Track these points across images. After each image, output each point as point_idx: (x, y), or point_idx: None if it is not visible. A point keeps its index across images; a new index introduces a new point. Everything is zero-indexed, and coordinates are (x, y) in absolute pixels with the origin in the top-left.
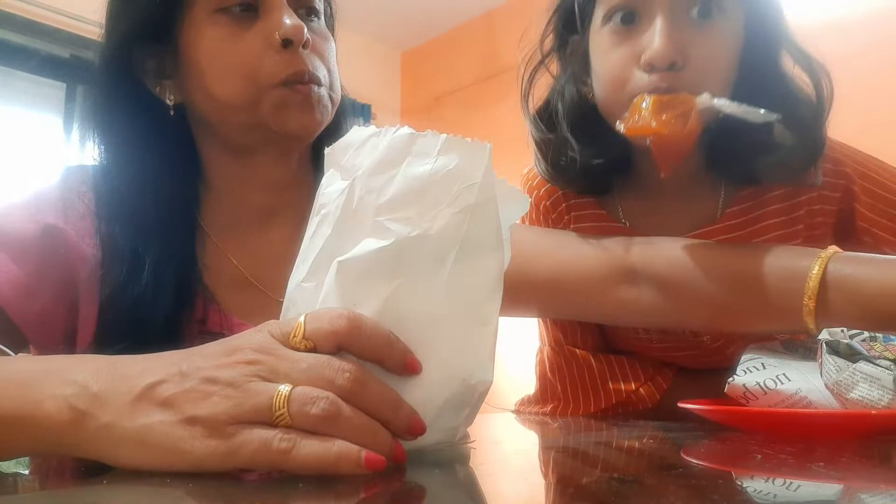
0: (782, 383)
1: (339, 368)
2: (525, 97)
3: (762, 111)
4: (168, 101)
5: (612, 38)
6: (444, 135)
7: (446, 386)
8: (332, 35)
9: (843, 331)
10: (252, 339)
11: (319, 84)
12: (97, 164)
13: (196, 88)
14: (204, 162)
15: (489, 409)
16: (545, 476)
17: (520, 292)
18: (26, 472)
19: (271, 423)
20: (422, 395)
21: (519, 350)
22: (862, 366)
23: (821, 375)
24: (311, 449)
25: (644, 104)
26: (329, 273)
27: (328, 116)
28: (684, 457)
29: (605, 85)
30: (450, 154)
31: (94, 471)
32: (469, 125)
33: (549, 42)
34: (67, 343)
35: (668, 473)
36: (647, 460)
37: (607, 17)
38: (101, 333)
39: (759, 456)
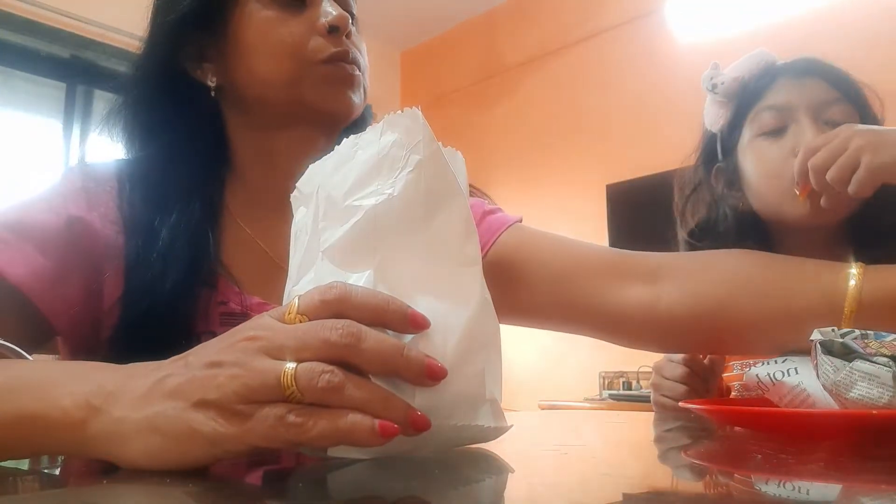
0: (789, 375)
1: (332, 326)
2: (682, 217)
3: None
4: (210, 83)
5: (765, 144)
6: (381, 121)
7: (452, 330)
8: None
9: (833, 329)
10: (249, 323)
11: (360, 69)
12: (126, 155)
13: (239, 68)
14: (232, 148)
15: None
16: (542, 474)
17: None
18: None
19: (284, 401)
20: (430, 345)
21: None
22: (859, 364)
23: (818, 377)
24: (324, 421)
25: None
26: (316, 264)
27: (361, 106)
28: (684, 457)
29: (764, 181)
30: (390, 131)
31: (93, 471)
32: (469, 125)
33: (699, 173)
34: (93, 332)
35: (668, 474)
36: (647, 460)
37: (757, 134)
38: (125, 318)
39: (759, 456)
